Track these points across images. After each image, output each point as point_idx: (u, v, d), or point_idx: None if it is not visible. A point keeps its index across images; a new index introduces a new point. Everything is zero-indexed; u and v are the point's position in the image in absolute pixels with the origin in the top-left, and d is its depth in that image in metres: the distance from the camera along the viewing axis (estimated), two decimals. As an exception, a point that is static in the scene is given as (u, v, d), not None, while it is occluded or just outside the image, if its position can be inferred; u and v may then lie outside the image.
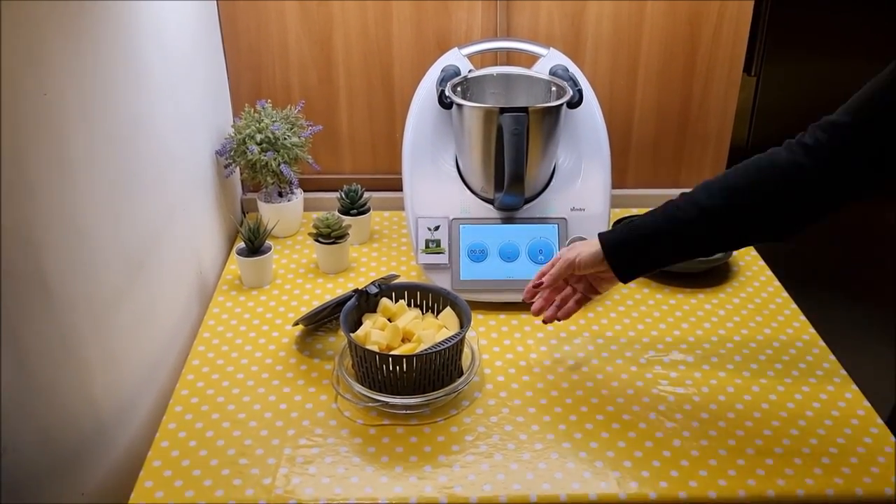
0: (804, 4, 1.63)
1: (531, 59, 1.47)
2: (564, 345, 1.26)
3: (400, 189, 1.43)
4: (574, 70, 1.42)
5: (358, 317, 1.19)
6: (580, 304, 1.16)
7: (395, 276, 1.29)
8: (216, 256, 1.48)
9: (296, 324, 1.25)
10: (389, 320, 1.18)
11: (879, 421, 1.09)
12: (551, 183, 1.40)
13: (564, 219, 1.37)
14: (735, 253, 1.46)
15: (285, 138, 1.48)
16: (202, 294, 1.38)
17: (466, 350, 1.18)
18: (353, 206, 1.53)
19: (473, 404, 1.13)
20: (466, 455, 1.03)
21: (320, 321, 1.28)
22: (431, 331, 1.14)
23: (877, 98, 0.92)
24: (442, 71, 1.41)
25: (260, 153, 1.46)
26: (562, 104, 1.32)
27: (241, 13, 1.54)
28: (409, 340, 1.14)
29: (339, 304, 1.19)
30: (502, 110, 1.27)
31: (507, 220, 1.37)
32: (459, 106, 1.32)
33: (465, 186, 1.40)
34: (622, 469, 1.01)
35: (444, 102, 1.36)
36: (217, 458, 1.02)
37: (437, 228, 1.37)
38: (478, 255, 1.36)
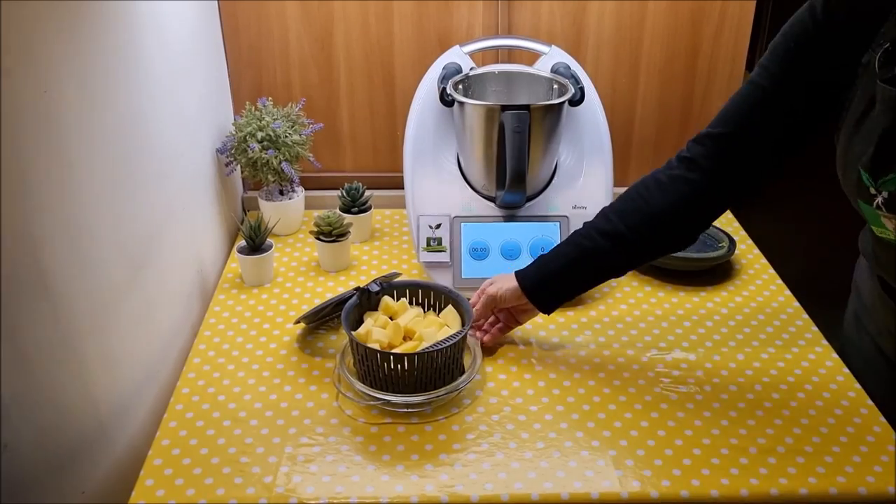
0: (806, 1, 1.63)
1: (533, 57, 1.46)
2: (566, 343, 1.26)
3: (401, 187, 1.43)
4: (576, 68, 1.41)
5: (359, 315, 1.19)
6: (502, 331, 1.23)
7: (397, 274, 1.29)
8: (217, 255, 1.48)
9: (297, 322, 1.25)
10: (391, 318, 1.17)
11: (882, 420, 1.09)
12: (553, 181, 1.40)
13: (566, 217, 1.37)
14: (737, 251, 1.46)
15: (286, 136, 1.48)
16: (203, 292, 1.38)
17: (468, 348, 1.18)
18: (355, 204, 1.53)
19: (475, 402, 1.12)
20: (468, 453, 1.03)
21: (322, 319, 1.28)
22: (433, 329, 1.13)
23: (745, 106, 1.03)
24: (443, 69, 1.41)
25: (261, 151, 1.46)
26: (563, 102, 1.31)
27: (242, 11, 1.54)
28: (411, 339, 1.14)
29: (341, 302, 1.19)
30: (504, 108, 1.27)
31: (509, 219, 1.37)
32: (461, 104, 1.32)
33: (466, 184, 1.40)
34: (624, 468, 1.01)
35: (446, 100, 1.36)
36: (218, 457, 1.02)
37: (438, 226, 1.37)
38: (479, 253, 1.36)
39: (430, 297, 1.23)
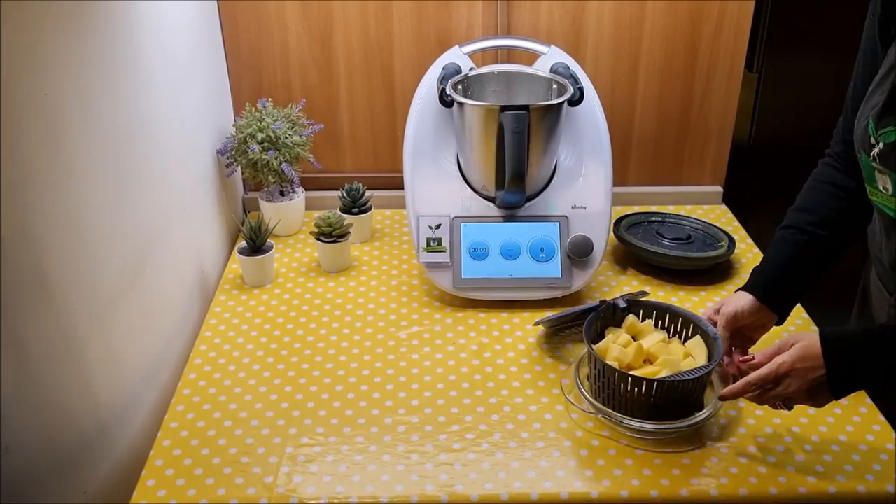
0: (805, 0, 1.63)
1: (532, 57, 1.46)
2: (566, 342, 1.26)
3: (401, 187, 1.43)
4: (575, 68, 1.42)
5: (601, 328, 1.17)
6: (744, 353, 1.15)
7: (645, 294, 1.25)
8: (218, 255, 1.48)
9: (537, 323, 1.25)
10: (633, 338, 1.14)
11: (881, 418, 1.09)
12: (552, 181, 1.40)
13: (566, 217, 1.37)
14: (736, 250, 1.46)
15: (286, 137, 1.48)
16: (204, 293, 1.38)
17: (710, 384, 1.11)
18: (355, 205, 1.53)
19: (474, 402, 1.13)
20: (468, 453, 1.03)
21: (562, 325, 1.28)
22: (676, 357, 1.09)
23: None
24: (443, 69, 1.41)
25: (261, 152, 1.46)
26: (563, 102, 1.32)
27: (242, 12, 1.54)
28: (652, 363, 1.10)
29: (585, 311, 1.17)
30: (503, 108, 1.27)
31: (509, 219, 1.37)
32: (460, 104, 1.32)
33: (466, 184, 1.40)
34: (624, 467, 1.01)
35: (445, 101, 1.36)
36: (219, 457, 1.02)
37: (438, 227, 1.37)
38: (479, 253, 1.36)
39: (677, 322, 1.17)
